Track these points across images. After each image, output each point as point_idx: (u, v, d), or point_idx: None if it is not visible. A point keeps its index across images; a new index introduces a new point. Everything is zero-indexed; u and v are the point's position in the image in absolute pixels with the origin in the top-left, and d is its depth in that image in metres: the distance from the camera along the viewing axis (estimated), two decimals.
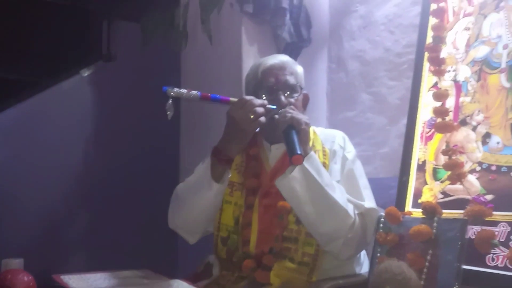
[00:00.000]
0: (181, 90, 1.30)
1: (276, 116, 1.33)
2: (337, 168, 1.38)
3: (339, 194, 1.28)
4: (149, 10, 2.65)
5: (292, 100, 1.40)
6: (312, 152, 1.30)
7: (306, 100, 1.49)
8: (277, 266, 1.31)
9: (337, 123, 2.06)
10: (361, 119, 1.99)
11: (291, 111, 1.31)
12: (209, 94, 1.34)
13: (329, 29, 2.24)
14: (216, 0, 2.25)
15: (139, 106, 2.74)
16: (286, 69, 1.42)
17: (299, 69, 1.47)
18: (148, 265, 1.53)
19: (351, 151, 1.43)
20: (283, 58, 1.47)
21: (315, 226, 1.28)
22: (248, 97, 1.32)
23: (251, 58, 2.17)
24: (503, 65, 1.38)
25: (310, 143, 1.38)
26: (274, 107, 1.36)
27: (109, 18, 3.15)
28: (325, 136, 1.45)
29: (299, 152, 1.20)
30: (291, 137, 1.24)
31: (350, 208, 1.28)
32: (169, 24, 2.53)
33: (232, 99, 1.34)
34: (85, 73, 3.17)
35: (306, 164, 1.25)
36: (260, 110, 1.29)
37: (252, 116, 1.28)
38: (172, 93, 1.28)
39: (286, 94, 1.40)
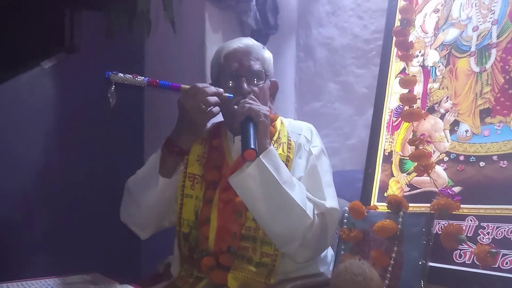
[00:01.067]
0: (125, 75, 1.18)
1: (236, 106, 1.22)
2: (301, 163, 1.28)
3: (298, 193, 1.18)
4: None
5: (256, 88, 1.29)
6: (271, 147, 1.20)
7: (274, 89, 1.40)
8: (235, 267, 1.22)
9: (305, 114, 1.97)
10: (329, 110, 1.90)
11: (250, 101, 1.21)
12: (158, 80, 1.22)
13: (297, 15, 2.16)
14: None
15: (103, 99, 2.60)
16: (251, 53, 1.31)
17: (267, 54, 1.37)
18: (110, 267, 1.44)
19: (317, 146, 1.33)
20: (249, 41, 1.36)
21: (269, 225, 1.19)
22: (201, 85, 1.21)
23: (215, 46, 2.04)
24: (473, 48, 1.29)
25: (276, 135, 1.29)
26: (231, 95, 1.25)
27: (71, 7, 3.02)
28: (292, 128, 1.36)
29: (252, 147, 1.11)
30: (247, 130, 1.15)
31: (309, 208, 1.19)
32: (132, 12, 2.42)
33: (183, 86, 1.23)
34: (46, 65, 3.03)
35: (263, 159, 1.15)
36: (213, 99, 1.20)
37: (204, 106, 1.17)
38: (115, 79, 1.17)
39: (249, 82, 1.29)
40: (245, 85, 1.27)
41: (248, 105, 1.19)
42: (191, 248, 1.28)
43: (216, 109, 1.21)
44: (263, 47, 1.37)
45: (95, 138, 2.63)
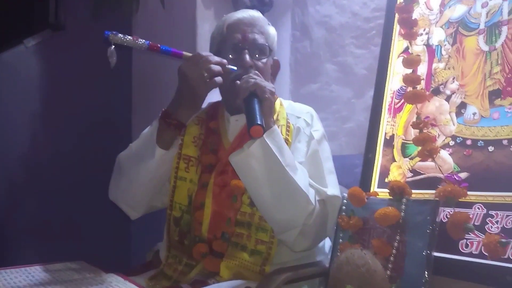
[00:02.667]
0: (126, 36, 1.13)
1: (238, 81, 1.16)
2: (300, 148, 1.23)
3: (302, 177, 1.13)
4: None
5: (259, 63, 1.24)
6: (275, 126, 1.14)
7: (276, 68, 1.35)
8: (228, 255, 1.18)
9: (301, 97, 1.90)
10: (326, 92, 1.83)
11: (255, 76, 1.14)
12: (159, 45, 1.17)
13: None
14: None
15: (90, 78, 2.51)
16: (256, 26, 1.25)
17: (272, 30, 1.31)
18: (98, 256, 1.40)
19: (318, 130, 1.27)
20: (254, 13, 1.30)
21: (270, 210, 1.14)
22: (205, 53, 1.16)
23: (206, 23, 2.00)
24: (482, 26, 1.22)
25: (275, 116, 1.23)
26: (235, 68, 1.20)
27: None
28: (292, 111, 1.31)
29: (259, 123, 1.05)
30: (252, 106, 1.08)
31: (311, 194, 1.14)
32: None
33: (185, 53, 1.18)
34: (30, 43, 2.90)
35: (267, 139, 1.09)
36: (217, 68, 1.14)
37: (206, 74, 1.12)
38: (115, 40, 1.11)
39: (252, 55, 1.23)
40: (248, 58, 1.21)
41: (253, 80, 1.13)
42: (182, 233, 1.24)
43: (218, 79, 1.15)
44: (268, 23, 1.31)
45: (81, 121, 2.53)
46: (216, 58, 1.17)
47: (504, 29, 1.16)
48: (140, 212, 1.31)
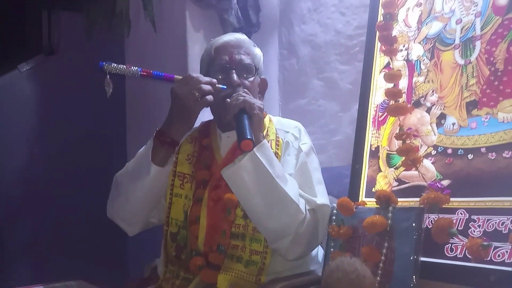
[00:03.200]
0: (119, 65, 1.18)
1: (228, 99, 1.21)
2: (290, 160, 1.28)
3: (291, 187, 1.17)
4: None
5: (246, 82, 1.29)
6: (264, 140, 1.19)
7: (263, 86, 1.40)
8: (224, 267, 1.21)
9: (290, 112, 1.96)
10: (314, 107, 1.89)
11: (244, 94, 1.20)
12: (151, 71, 1.22)
13: (279, 12, 2.15)
14: None
15: (83, 100, 2.56)
16: (242, 48, 1.31)
17: (258, 51, 1.37)
18: (96, 274, 1.40)
19: (306, 143, 1.32)
20: (240, 36, 1.37)
21: (262, 220, 1.18)
22: (195, 74, 1.22)
23: (196, 45, 2.06)
24: (457, 41, 1.29)
25: (264, 132, 1.27)
26: (225, 87, 1.25)
27: (49, 8, 2.95)
28: (280, 126, 1.36)
29: (248, 137, 1.10)
30: (242, 122, 1.14)
31: (301, 203, 1.18)
32: (111, 12, 2.38)
33: (177, 76, 1.23)
34: (24, 68, 2.95)
35: (257, 152, 1.14)
36: (207, 87, 1.19)
37: (197, 94, 1.17)
38: (109, 69, 1.17)
39: (239, 75, 1.28)
40: (235, 77, 1.26)
41: (242, 97, 1.18)
42: (179, 248, 1.27)
43: (209, 97, 1.20)
44: (254, 45, 1.37)
45: (76, 141, 2.57)
46: (206, 78, 1.21)
47: (478, 43, 1.23)
48: (137, 229, 1.34)
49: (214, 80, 1.23)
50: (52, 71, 2.72)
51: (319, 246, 1.35)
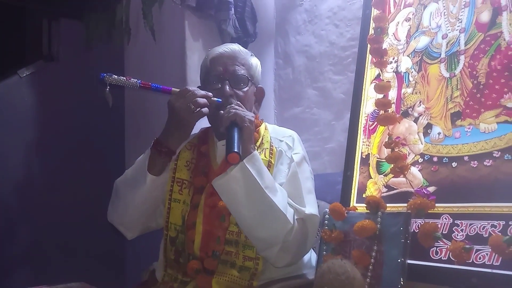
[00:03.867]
0: (119, 77, 1.23)
1: (221, 112, 1.26)
2: (282, 169, 1.31)
3: (280, 198, 1.21)
4: (91, 7, 2.55)
5: (240, 92, 1.33)
6: (255, 152, 1.23)
7: (260, 95, 1.43)
8: (218, 272, 1.25)
9: (285, 120, 2.02)
10: (308, 115, 1.95)
11: (236, 107, 1.25)
12: (150, 83, 1.27)
13: (275, 23, 2.21)
14: None
15: (83, 108, 2.61)
16: (237, 59, 1.35)
17: (254, 61, 1.40)
18: (96, 277, 1.45)
19: (298, 153, 1.35)
20: (235, 47, 1.40)
21: (251, 229, 1.22)
22: (192, 88, 1.26)
23: (195, 54, 2.12)
24: (443, 55, 1.36)
25: (259, 140, 1.32)
26: (220, 100, 1.29)
27: (49, 16, 3.00)
28: (275, 135, 1.39)
29: (235, 150, 1.14)
30: (231, 135, 1.18)
31: (289, 213, 1.21)
32: (111, 21, 2.44)
33: (174, 89, 1.28)
34: (24, 73, 2.99)
35: (247, 163, 1.18)
36: (202, 101, 1.23)
37: (193, 107, 1.21)
38: (110, 81, 1.21)
39: (233, 85, 1.32)
40: (228, 88, 1.31)
41: (233, 110, 1.22)
42: (178, 252, 1.30)
43: (205, 110, 1.24)
44: (251, 54, 1.41)
45: (75, 148, 2.61)
46: (202, 92, 1.25)
47: (462, 58, 1.30)
48: (136, 233, 1.39)
49: (210, 94, 1.27)
50: (52, 77, 2.76)
51: (312, 250, 1.40)
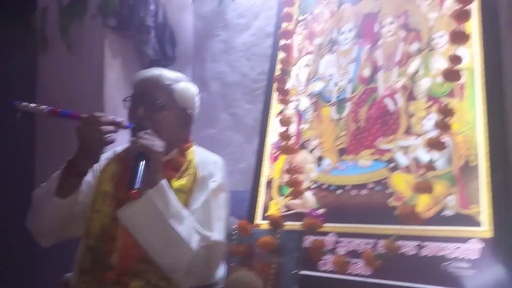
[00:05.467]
0: (30, 104, 1.26)
1: (132, 138, 1.27)
2: (200, 196, 1.34)
3: (185, 227, 1.24)
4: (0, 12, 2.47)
5: (156, 116, 1.34)
6: (162, 182, 1.23)
7: (185, 120, 1.43)
8: (133, 286, 1.27)
9: (201, 140, 2.12)
10: (222, 137, 2.13)
11: (145, 136, 1.24)
12: (59, 110, 1.28)
13: (194, 49, 2.35)
14: (78, 10, 2.21)
15: None
16: (157, 83, 1.37)
17: (180, 86, 1.40)
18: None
19: (216, 181, 1.37)
20: (158, 72, 1.41)
21: (155, 256, 1.25)
22: (98, 114, 1.25)
23: (113, 72, 2.15)
24: (333, 100, 1.65)
25: (185, 165, 1.38)
26: (131, 125, 1.31)
27: None
28: (201, 159, 1.42)
29: (135, 187, 1.14)
30: (136, 167, 1.17)
31: (194, 241, 1.24)
32: (25, 28, 2.39)
33: (83, 115, 1.27)
34: None
35: (152, 195, 1.21)
36: (108, 128, 1.23)
37: (98, 134, 1.22)
38: (20, 108, 1.24)
39: (150, 109, 1.34)
40: (140, 111, 1.33)
41: (141, 140, 1.22)
42: (94, 261, 1.33)
43: (111, 138, 1.24)
44: (178, 81, 1.41)
45: None
46: (109, 119, 1.24)
47: (348, 104, 1.59)
48: (50, 242, 1.40)
49: (119, 120, 1.27)
50: None
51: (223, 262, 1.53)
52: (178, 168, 1.37)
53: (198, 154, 1.44)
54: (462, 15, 1.27)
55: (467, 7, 1.27)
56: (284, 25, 1.74)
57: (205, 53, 2.29)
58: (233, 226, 1.55)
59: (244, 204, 1.77)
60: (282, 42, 1.74)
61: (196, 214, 1.30)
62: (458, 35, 1.27)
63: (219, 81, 2.21)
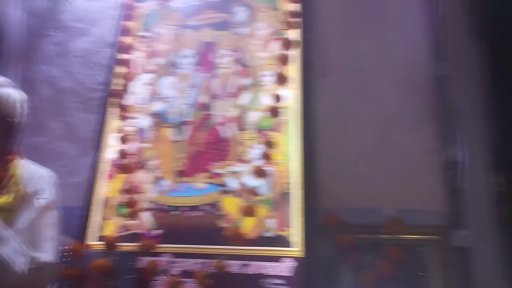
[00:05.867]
0: None
1: None
2: (26, 214, 1.28)
3: (8, 250, 1.20)
4: None
5: None
6: None
7: (5, 130, 1.32)
8: None
9: (31, 148, 1.94)
10: (54, 147, 1.97)
11: None
12: None
13: (24, 47, 2.14)
14: None
15: None
16: None
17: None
18: None
19: (45, 198, 1.32)
20: None
21: None
22: None
23: None
24: (174, 122, 1.70)
25: (7, 181, 1.28)
26: None
27: None
28: (29, 175, 1.33)
29: None
30: None
31: (19, 263, 1.21)
32: None
33: None
34: None
35: None
36: None
37: None
38: None
39: None
40: None
41: None
42: None
43: None
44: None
45: None
46: None
47: (188, 127, 1.67)
48: None
49: None
50: None
51: None
52: None
53: (24, 168, 1.35)
54: (282, 59, 1.48)
55: (286, 52, 1.47)
56: (124, 38, 1.71)
57: (36, 52, 2.11)
58: (65, 246, 1.49)
59: (76, 221, 1.71)
60: (121, 55, 1.72)
61: (22, 235, 1.24)
62: (280, 77, 1.47)
63: (52, 85, 2.06)
